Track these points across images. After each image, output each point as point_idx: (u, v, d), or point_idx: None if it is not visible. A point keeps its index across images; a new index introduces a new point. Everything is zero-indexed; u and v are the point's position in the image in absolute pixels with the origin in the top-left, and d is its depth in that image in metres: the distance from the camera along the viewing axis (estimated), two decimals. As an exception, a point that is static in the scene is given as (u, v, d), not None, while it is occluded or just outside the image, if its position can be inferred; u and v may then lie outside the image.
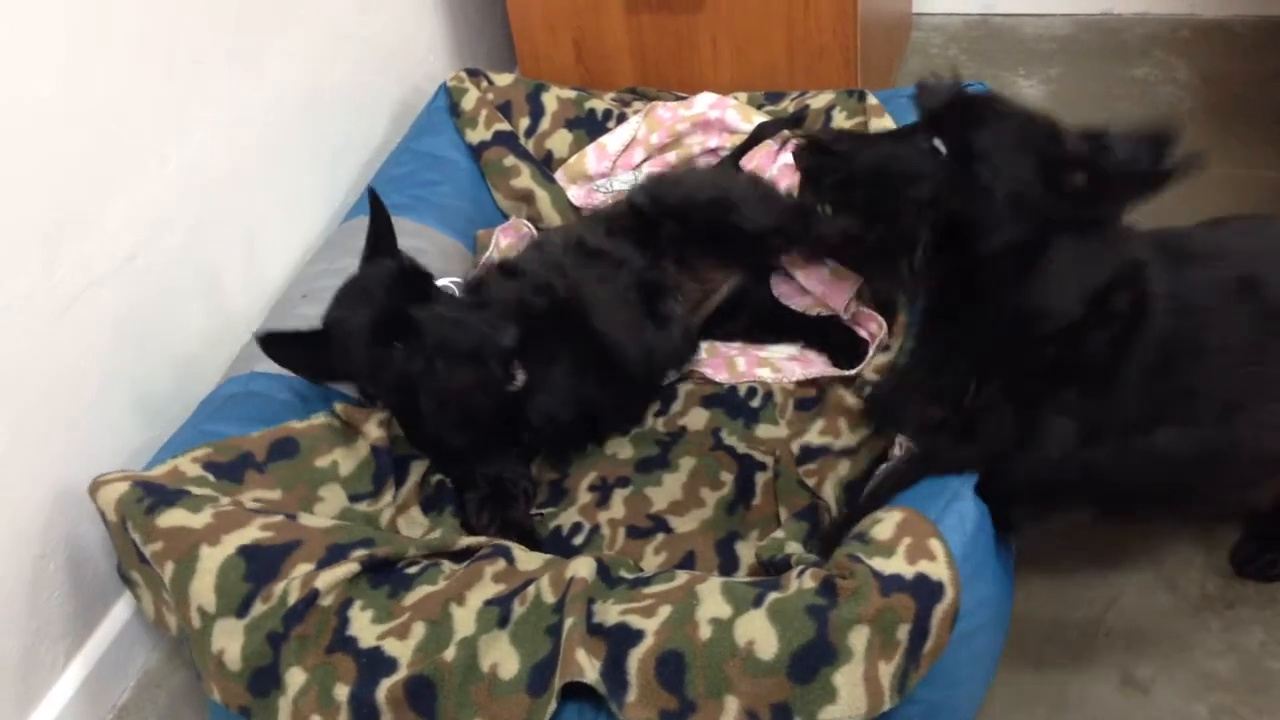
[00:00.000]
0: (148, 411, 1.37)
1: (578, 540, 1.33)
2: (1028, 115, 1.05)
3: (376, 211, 1.36)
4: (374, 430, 1.32)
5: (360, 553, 1.08)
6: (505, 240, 1.66)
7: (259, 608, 1.05)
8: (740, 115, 1.70)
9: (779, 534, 1.25)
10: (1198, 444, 1.07)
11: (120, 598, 1.35)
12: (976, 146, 1.00)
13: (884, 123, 1.65)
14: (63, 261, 1.24)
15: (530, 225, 1.71)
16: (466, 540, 1.16)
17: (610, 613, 1.01)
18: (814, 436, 1.40)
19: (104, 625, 1.33)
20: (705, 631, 0.97)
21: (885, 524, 1.03)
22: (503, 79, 1.84)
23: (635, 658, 0.97)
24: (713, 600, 1.00)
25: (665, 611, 0.99)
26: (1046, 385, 1.07)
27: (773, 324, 1.58)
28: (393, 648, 1.02)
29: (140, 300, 1.35)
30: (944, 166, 1.02)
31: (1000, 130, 1.01)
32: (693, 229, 1.53)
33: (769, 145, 1.69)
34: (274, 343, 1.29)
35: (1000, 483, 1.10)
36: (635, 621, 0.99)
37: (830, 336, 1.54)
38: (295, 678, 1.02)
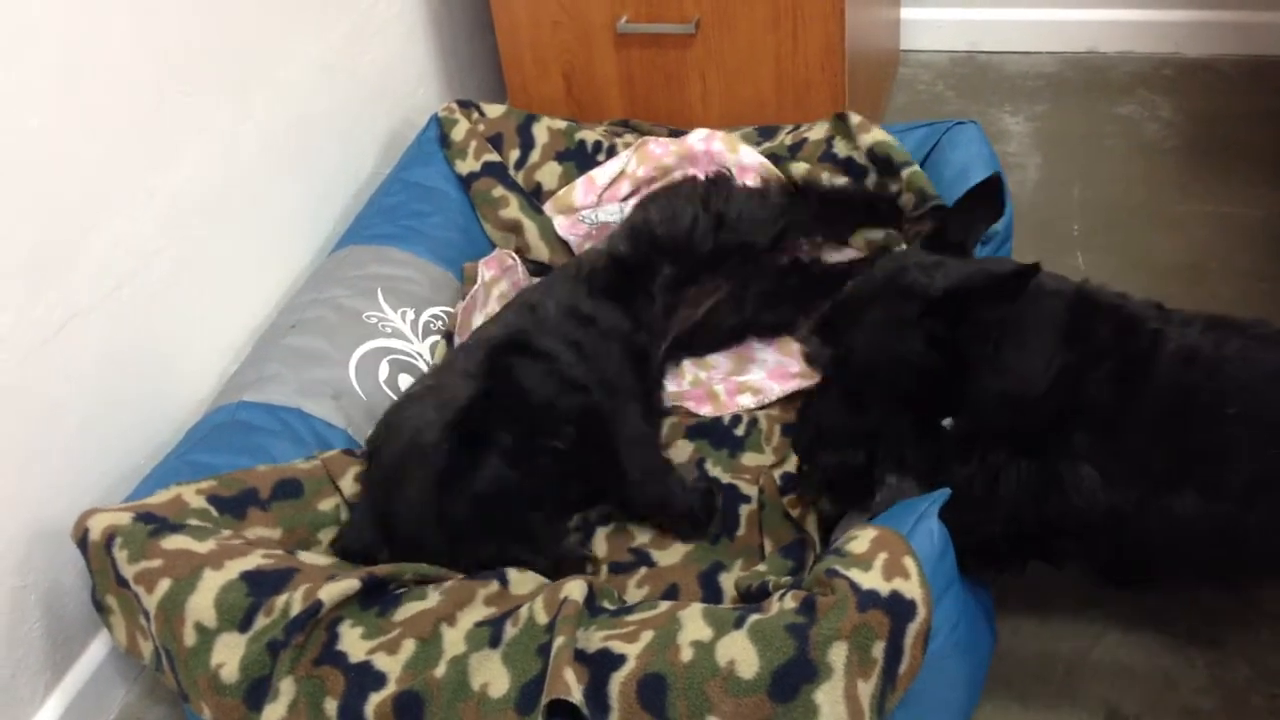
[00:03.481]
0: (132, 442, 1.37)
1: (559, 579, 1.33)
2: (890, 286, 1.13)
3: None
4: (349, 486, 1.31)
5: (361, 571, 1.10)
6: (489, 272, 1.66)
7: (261, 621, 1.05)
8: (726, 146, 1.70)
9: (761, 567, 1.24)
10: (1219, 517, 1.03)
11: (101, 631, 1.34)
12: (845, 349, 1.16)
13: (874, 136, 1.63)
14: (46, 292, 1.24)
15: (516, 256, 1.72)
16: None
17: (593, 639, 1.01)
18: (792, 466, 1.40)
19: (83, 659, 1.32)
20: (687, 654, 0.97)
21: (861, 539, 1.03)
22: (494, 110, 1.85)
23: (617, 681, 0.97)
24: (694, 624, 1.00)
25: (647, 636, 0.99)
26: (1056, 434, 1.05)
27: (772, 306, 1.57)
28: (382, 663, 1.02)
29: (125, 331, 1.35)
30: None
31: (859, 327, 1.14)
32: (685, 262, 1.50)
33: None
34: None
35: (1021, 536, 1.09)
36: (617, 647, 0.99)
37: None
38: (287, 687, 1.02)
